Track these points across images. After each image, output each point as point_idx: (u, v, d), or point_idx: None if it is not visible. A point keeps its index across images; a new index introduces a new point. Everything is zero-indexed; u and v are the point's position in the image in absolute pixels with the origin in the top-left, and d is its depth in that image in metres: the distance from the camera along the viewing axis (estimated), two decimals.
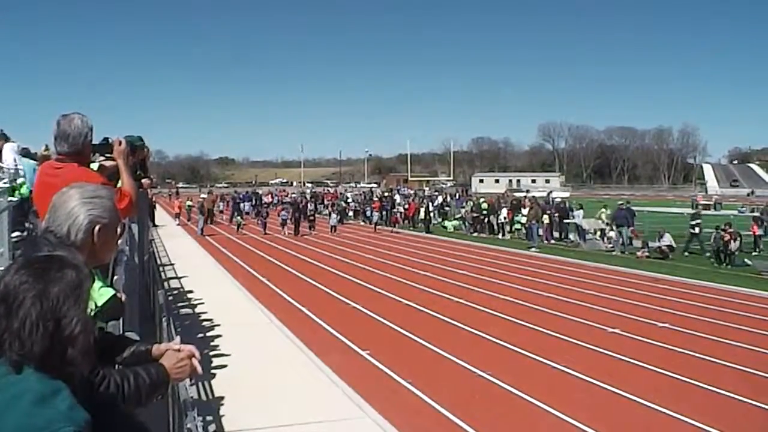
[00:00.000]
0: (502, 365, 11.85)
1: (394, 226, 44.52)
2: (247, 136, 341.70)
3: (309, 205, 45.00)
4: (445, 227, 44.67)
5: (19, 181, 11.79)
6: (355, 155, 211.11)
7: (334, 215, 45.96)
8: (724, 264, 25.70)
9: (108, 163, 5.05)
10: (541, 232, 34.75)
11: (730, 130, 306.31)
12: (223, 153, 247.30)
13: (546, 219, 35.85)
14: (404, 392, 10.47)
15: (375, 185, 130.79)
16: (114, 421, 2.50)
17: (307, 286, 20.85)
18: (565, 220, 36.71)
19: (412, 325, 14.88)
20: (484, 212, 40.84)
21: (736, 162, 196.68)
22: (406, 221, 47.38)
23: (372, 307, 17.01)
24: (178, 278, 21.81)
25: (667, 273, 23.52)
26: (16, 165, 12.39)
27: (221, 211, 54.70)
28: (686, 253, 28.83)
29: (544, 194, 50.21)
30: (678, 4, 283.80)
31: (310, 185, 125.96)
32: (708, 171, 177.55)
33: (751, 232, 30.42)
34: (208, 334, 14.06)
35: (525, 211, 35.79)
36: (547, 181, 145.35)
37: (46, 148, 11.47)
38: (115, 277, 5.86)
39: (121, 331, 5.03)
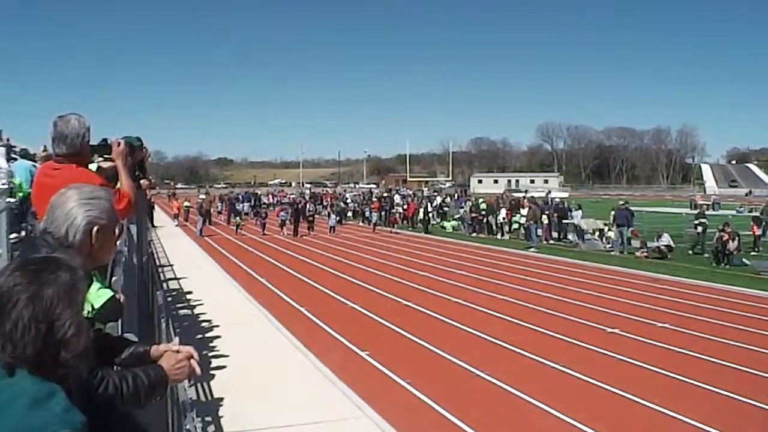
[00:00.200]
0: (500, 365, 11.85)
1: (393, 227, 44.52)
2: (246, 136, 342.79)
3: (308, 205, 44.96)
4: (444, 227, 44.68)
5: (17, 180, 11.78)
6: (354, 156, 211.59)
7: (333, 216, 45.96)
8: (723, 264, 25.69)
9: (106, 164, 5.05)
10: (540, 232, 34.76)
11: (728, 130, 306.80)
12: (222, 154, 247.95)
13: (545, 219, 35.86)
14: (403, 392, 10.46)
15: (374, 186, 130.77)
16: (113, 423, 2.50)
17: (306, 286, 20.84)
18: (564, 221, 36.72)
19: (411, 326, 14.88)
20: (483, 212, 40.82)
21: (734, 162, 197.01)
22: (405, 221, 47.38)
23: (371, 307, 17.00)
24: (177, 279, 21.80)
25: (665, 273, 23.52)
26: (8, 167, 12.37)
27: (219, 212, 54.67)
28: (690, 253, 28.73)
29: (543, 194, 50.20)
30: (677, 4, 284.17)
31: (309, 186, 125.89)
32: (706, 171, 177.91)
33: (750, 232, 30.43)
34: (207, 334, 14.06)
35: (524, 212, 35.81)
36: (546, 182, 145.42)
37: (45, 149, 11.45)
38: (114, 278, 5.85)
39: (119, 332, 5.03)
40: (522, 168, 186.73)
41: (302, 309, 16.88)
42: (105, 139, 4.97)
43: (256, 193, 65.18)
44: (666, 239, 28.67)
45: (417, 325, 15.10)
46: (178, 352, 2.86)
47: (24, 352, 1.85)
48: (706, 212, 34.25)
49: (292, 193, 71.93)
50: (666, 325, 15.09)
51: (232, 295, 19.20)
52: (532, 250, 31.31)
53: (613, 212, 35.37)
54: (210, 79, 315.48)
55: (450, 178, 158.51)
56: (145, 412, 2.94)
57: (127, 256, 9.42)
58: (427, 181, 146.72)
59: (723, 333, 14.34)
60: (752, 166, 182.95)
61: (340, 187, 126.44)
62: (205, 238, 37.29)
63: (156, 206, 50.55)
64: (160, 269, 22.81)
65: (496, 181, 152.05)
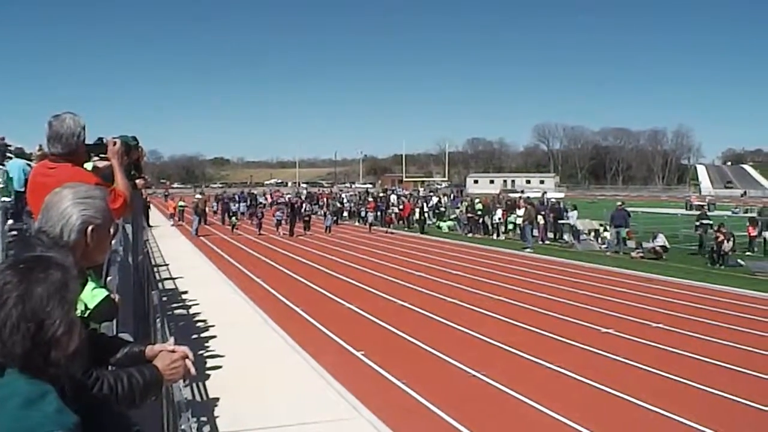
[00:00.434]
0: (496, 365, 11.86)
1: (389, 227, 44.51)
2: (242, 136, 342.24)
3: (304, 205, 44.93)
4: (440, 228, 44.72)
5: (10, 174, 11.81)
6: (350, 156, 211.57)
7: (329, 216, 45.96)
8: (718, 264, 25.74)
9: (102, 164, 5.04)
10: (535, 232, 34.81)
11: (724, 131, 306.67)
12: (218, 153, 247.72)
13: (540, 219, 35.91)
14: (399, 393, 10.47)
15: (370, 186, 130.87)
16: (107, 423, 2.49)
17: (301, 286, 20.84)
18: (560, 221, 36.77)
19: (406, 326, 14.88)
20: (479, 213, 40.84)
21: (729, 163, 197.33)
22: (401, 222, 47.38)
23: (367, 307, 17.00)
24: (173, 279, 21.78)
25: (660, 273, 23.56)
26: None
27: (215, 212, 54.59)
28: (696, 254, 28.61)
29: (539, 195, 50.26)
30: (672, 6, 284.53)
31: (305, 186, 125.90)
32: (702, 172, 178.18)
33: (745, 233, 30.48)
34: (202, 334, 14.05)
35: (520, 212, 35.84)
36: (542, 182, 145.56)
37: (40, 149, 11.47)
38: (109, 278, 5.85)
39: (114, 332, 5.02)
40: (518, 168, 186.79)
41: (298, 309, 16.88)
42: (100, 138, 4.96)
43: (253, 193, 64.97)
44: (661, 240, 28.73)
45: (413, 325, 15.11)
46: (173, 352, 2.86)
47: (13, 351, 1.84)
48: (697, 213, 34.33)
49: (288, 193, 71.88)
50: (660, 326, 15.12)
51: (228, 295, 19.19)
52: (528, 250, 31.33)
53: (609, 212, 35.56)
54: (206, 79, 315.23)
55: (446, 179, 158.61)
56: (140, 413, 2.94)
57: (123, 256, 9.42)
58: (423, 182, 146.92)
59: (717, 333, 14.37)
60: (747, 167, 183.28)
61: (336, 187, 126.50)
62: (201, 237, 37.27)
63: (152, 206, 50.50)
64: (155, 269, 22.78)
65: (492, 182, 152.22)
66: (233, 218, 44.06)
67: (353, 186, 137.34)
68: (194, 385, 9.72)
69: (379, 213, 47.66)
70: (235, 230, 41.39)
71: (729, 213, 48.29)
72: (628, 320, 15.70)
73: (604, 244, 32.35)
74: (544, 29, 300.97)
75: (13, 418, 1.75)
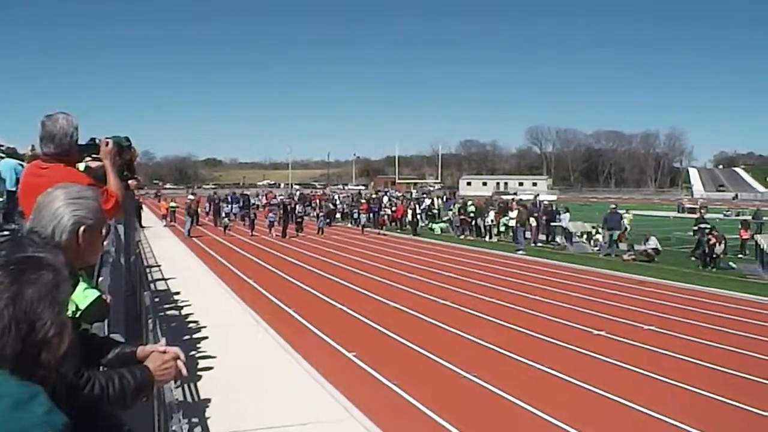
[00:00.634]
0: (488, 367, 11.86)
1: (382, 228, 44.50)
2: (235, 137, 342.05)
3: (297, 207, 44.91)
4: (433, 230, 44.71)
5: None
6: (343, 157, 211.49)
7: (321, 217, 45.97)
8: (709, 267, 25.80)
9: (95, 164, 5.04)
10: (528, 234, 34.86)
11: (716, 134, 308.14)
12: (210, 154, 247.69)
13: (533, 222, 35.95)
14: (390, 394, 10.47)
15: (363, 187, 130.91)
16: (98, 424, 2.49)
17: (293, 287, 20.83)
18: (552, 223, 36.83)
19: (398, 327, 14.89)
20: (472, 215, 40.87)
21: (721, 166, 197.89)
22: (394, 223, 47.39)
23: (358, 309, 17.01)
24: (165, 280, 21.74)
25: (652, 276, 23.61)
26: None
27: (207, 213, 54.49)
28: (693, 259, 28.61)
29: (532, 197, 50.33)
30: (665, 9, 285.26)
31: (297, 187, 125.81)
32: (694, 175, 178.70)
33: (737, 236, 30.57)
34: (194, 335, 14.03)
35: (512, 214, 35.90)
36: (535, 184, 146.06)
37: (33, 149, 11.45)
38: (101, 279, 5.84)
39: (106, 333, 5.02)
40: (511, 170, 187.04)
41: (290, 310, 16.87)
42: (93, 139, 4.95)
43: (246, 194, 64.78)
44: (653, 242, 28.81)
45: (405, 326, 15.11)
46: (164, 352, 2.86)
47: (3, 353, 1.82)
48: (690, 216, 34.50)
49: (281, 194, 71.78)
50: (652, 328, 15.15)
51: (220, 296, 19.16)
52: (520, 252, 31.37)
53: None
54: (200, 80, 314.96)
55: (439, 181, 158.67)
56: (131, 414, 2.94)
57: (115, 257, 9.41)
58: (415, 183, 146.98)
59: (709, 336, 14.40)
60: (739, 170, 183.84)
61: (329, 188, 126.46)
62: (193, 238, 37.20)
63: (144, 206, 50.39)
64: (147, 270, 22.75)
65: (485, 184, 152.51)
66: (226, 219, 43.97)
67: (346, 187, 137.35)
68: (186, 386, 9.71)
69: (371, 214, 47.69)
70: (227, 231, 41.34)
71: (721, 216, 48.49)
72: (619, 322, 15.73)
73: (596, 246, 32.43)
74: (537, 31, 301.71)
75: (3, 420, 1.74)
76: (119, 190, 4.77)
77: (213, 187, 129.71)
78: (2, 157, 14.46)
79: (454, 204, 48.60)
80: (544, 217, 37.30)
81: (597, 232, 33.41)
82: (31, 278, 1.89)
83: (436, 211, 49.44)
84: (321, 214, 48.83)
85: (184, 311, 16.69)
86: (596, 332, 14.71)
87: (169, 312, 16.58)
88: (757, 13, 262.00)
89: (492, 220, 38.94)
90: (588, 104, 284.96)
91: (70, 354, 2.03)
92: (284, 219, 40.83)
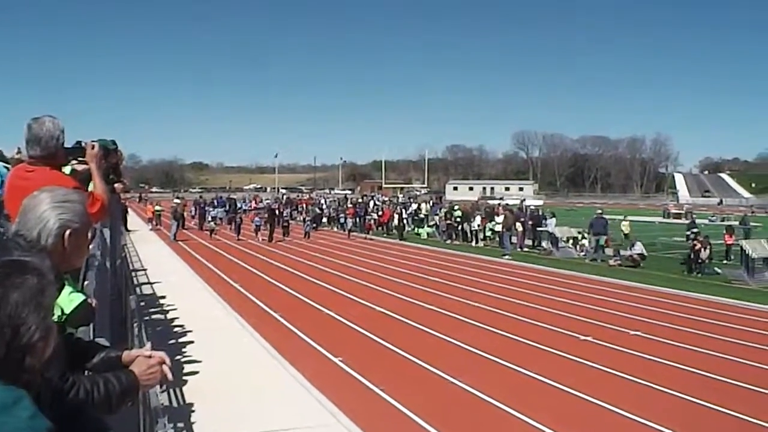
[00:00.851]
0: (474, 372, 11.86)
1: (368, 233, 44.50)
2: (221, 141, 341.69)
3: (283, 211, 44.84)
4: (419, 234, 44.75)
5: None
6: (329, 161, 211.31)
7: (308, 221, 45.94)
8: (695, 272, 25.89)
9: (80, 167, 5.02)
10: (514, 239, 34.89)
11: (701, 140, 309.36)
12: (197, 158, 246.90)
13: (519, 227, 35.99)
14: (377, 399, 10.45)
15: (349, 192, 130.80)
16: (83, 428, 2.48)
17: (280, 292, 20.80)
18: (539, 228, 36.89)
19: (385, 332, 14.88)
20: (458, 220, 40.89)
21: (707, 172, 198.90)
22: (380, 228, 47.38)
23: (345, 313, 16.99)
24: (151, 284, 21.66)
25: (638, 281, 23.68)
26: None
27: (193, 217, 54.38)
28: (683, 266, 28.65)
29: (518, 202, 50.40)
30: (651, 16, 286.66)
31: (284, 191, 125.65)
32: (679, 180, 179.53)
33: (722, 241, 30.71)
34: (180, 340, 13.98)
35: (499, 219, 35.94)
36: (521, 189, 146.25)
37: (19, 152, 11.38)
38: (86, 282, 5.81)
39: (91, 337, 4.99)
40: (497, 175, 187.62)
41: (276, 315, 16.84)
42: (79, 142, 4.94)
43: (232, 198, 64.60)
44: (639, 248, 28.88)
45: (391, 331, 15.11)
46: (150, 357, 2.85)
47: None
48: (675, 222, 34.66)
49: (268, 199, 71.67)
50: (638, 333, 15.19)
51: (206, 300, 19.10)
52: (507, 257, 31.39)
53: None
54: (187, 83, 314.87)
55: (426, 185, 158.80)
56: (116, 418, 2.92)
57: (100, 260, 9.35)
58: (402, 188, 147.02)
59: (695, 341, 14.46)
60: (725, 176, 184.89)
61: (316, 192, 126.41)
62: (179, 242, 37.09)
63: (130, 210, 50.23)
64: (133, 274, 22.68)
65: (471, 188, 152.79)
66: (212, 223, 43.84)
67: (332, 192, 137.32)
68: (171, 390, 9.66)
69: (358, 219, 47.69)
70: (213, 235, 41.25)
71: (706, 221, 48.74)
72: (606, 327, 15.77)
73: (582, 251, 32.50)
74: (525, 36, 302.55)
75: None
76: (105, 193, 4.75)
77: (199, 190, 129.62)
78: None
79: (440, 209, 48.63)
80: (530, 222, 37.38)
81: (583, 237, 33.49)
82: (16, 282, 1.88)
83: (423, 216, 49.42)
84: (307, 218, 48.74)
85: (169, 315, 16.63)
86: (582, 337, 14.74)
87: (154, 316, 16.53)
88: (743, 18, 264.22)
89: (478, 225, 38.99)
90: (574, 109, 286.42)
91: (55, 358, 2.02)
92: (271, 223, 40.77)
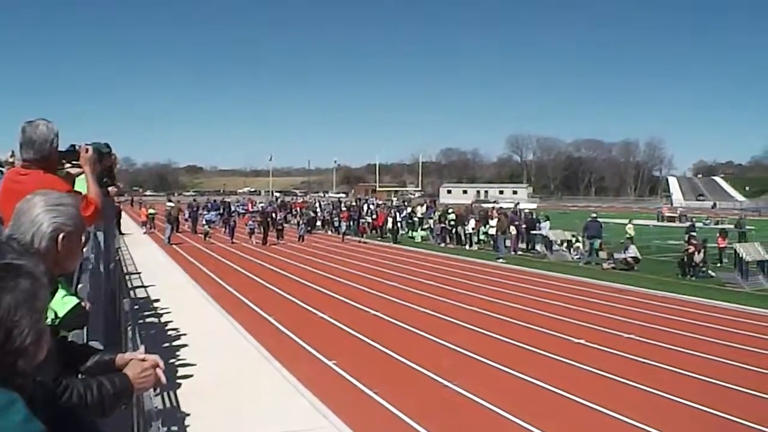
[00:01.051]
0: (468, 375, 11.88)
1: (362, 236, 44.49)
2: (215, 144, 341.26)
3: (278, 214, 44.78)
4: (413, 238, 44.75)
5: None
6: (324, 165, 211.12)
7: (302, 225, 45.92)
8: (689, 275, 25.95)
9: (74, 171, 5.02)
10: (508, 243, 34.92)
11: (695, 143, 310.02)
12: (191, 161, 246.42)
13: (513, 230, 36.02)
14: (370, 402, 10.46)
15: (343, 195, 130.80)
16: (75, 431, 2.48)
17: (273, 295, 20.79)
18: (533, 231, 36.92)
19: (378, 335, 14.89)
20: (452, 223, 40.91)
21: (701, 175, 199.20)
22: (374, 231, 47.38)
23: (339, 316, 16.99)
24: (144, 287, 21.64)
25: (632, 284, 23.73)
26: None
27: (186, 220, 54.29)
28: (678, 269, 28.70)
29: (512, 205, 50.45)
30: (644, 19, 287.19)
31: (278, 194, 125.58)
32: (673, 184, 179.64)
33: (715, 244, 30.76)
34: (173, 343, 13.97)
35: (493, 222, 35.97)
36: (515, 193, 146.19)
37: (12, 155, 11.38)
38: (80, 286, 5.81)
39: (85, 340, 4.98)
40: (491, 179, 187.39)
41: (270, 318, 16.83)
42: (73, 145, 4.93)
43: (226, 201, 64.55)
44: (633, 251, 28.93)
45: (385, 334, 15.12)
46: (143, 360, 2.84)
47: None
48: (669, 225, 34.67)
49: (262, 202, 71.61)
50: (632, 336, 15.22)
51: (200, 303, 19.09)
52: (501, 260, 31.43)
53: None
54: (180, 87, 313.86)
55: (420, 188, 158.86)
56: (110, 422, 2.92)
57: (94, 263, 9.35)
58: (396, 191, 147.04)
59: (688, 344, 14.49)
60: (719, 179, 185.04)
61: (310, 196, 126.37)
62: (174, 246, 37.05)
63: (124, 213, 50.14)
64: (127, 277, 22.66)
65: (465, 192, 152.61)
66: (206, 227, 43.77)
67: (327, 195, 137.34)
68: (165, 394, 9.66)
69: (352, 222, 47.69)
70: (207, 238, 41.22)
71: (700, 224, 48.80)
72: (599, 331, 15.80)
73: (576, 254, 32.54)
74: (518, 40, 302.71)
75: None
76: (98, 196, 4.74)
77: (193, 194, 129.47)
78: None
79: (434, 212, 48.65)
80: (524, 226, 37.42)
81: (577, 241, 33.53)
82: (9, 285, 1.88)
83: (417, 219, 49.43)
84: (302, 221, 48.72)
85: (163, 319, 16.62)
86: (576, 340, 14.76)
87: (148, 319, 16.51)
88: (736, 23, 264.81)
89: (472, 228, 39.00)
90: (568, 113, 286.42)
91: (48, 361, 2.02)
92: (265, 227, 40.75)
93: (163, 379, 2.88)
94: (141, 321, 15.40)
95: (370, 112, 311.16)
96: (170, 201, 51.34)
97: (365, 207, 57.71)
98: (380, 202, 76.36)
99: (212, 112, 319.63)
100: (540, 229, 36.44)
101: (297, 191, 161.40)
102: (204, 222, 45.74)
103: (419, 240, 43.61)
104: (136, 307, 16.70)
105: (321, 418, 9.65)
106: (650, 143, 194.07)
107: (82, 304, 3.81)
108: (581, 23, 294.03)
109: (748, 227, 40.12)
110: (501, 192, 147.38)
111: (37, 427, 1.81)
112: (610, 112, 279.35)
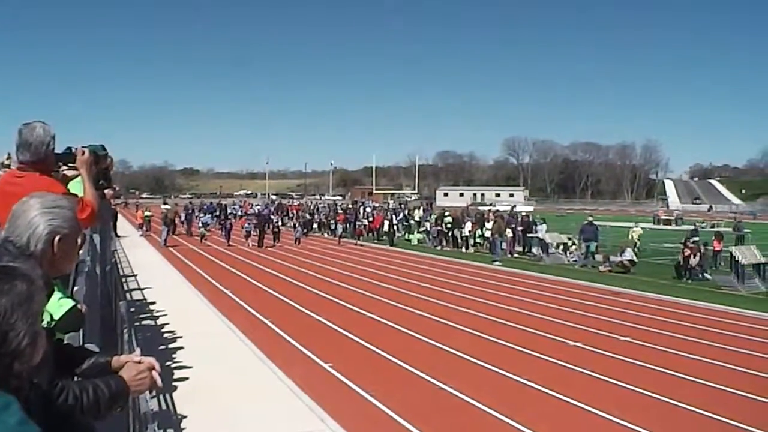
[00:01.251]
0: (464, 378, 11.87)
1: (358, 239, 44.50)
2: (212, 147, 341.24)
3: (274, 216, 44.75)
4: (409, 240, 44.73)
5: None
6: (320, 167, 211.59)
7: (298, 227, 45.90)
8: (685, 279, 25.96)
9: (71, 173, 5.02)
10: (504, 245, 34.92)
11: (691, 146, 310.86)
12: (187, 164, 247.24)
13: (509, 233, 36.03)
14: (366, 404, 10.45)
15: (340, 197, 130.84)
16: None
17: (270, 297, 20.77)
18: (529, 234, 36.94)
19: (374, 338, 14.88)
20: (449, 226, 40.91)
21: (697, 178, 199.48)
22: (371, 234, 47.37)
23: (335, 319, 16.98)
24: (141, 289, 21.60)
25: (628, 287, 23.75)
26: None
27: (182, 222, 54.26)
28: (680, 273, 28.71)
29: (508, 208, 50.48)
30: (640, 22, 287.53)
31: (274, 197, 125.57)
32: (669, 187, 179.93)
33: (711, 247, 30.76)
34: (170, 345, 13.94)
35: (489, 225, 35.99)
36: (512, 195, 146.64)
37: (8, 157, 11.37)
38: (76, 288, 5.80)
39: (81, 343, 4.98)
40: (488, 181, 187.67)
41: (266, 320, 16.81)
42: (69, 148, 4.94)
43: (222, 204, 64.51)
44: (629, 254, 28.96)
45: (381, 337, 15.11)
46: (139, 363, 2.85)
47: None
48: (665, 228, 34.62)
49: (258, 204, 71.56)
50: (628, 339, 15.23)
51: (196, 305, 19.07)
52: (497, 263, 31.44)
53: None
54: (177, 89, 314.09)
55: (416, 191, 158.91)
56: (105, 424, 2.92)
57: (90, 266, 9.34)
58: (393, 194, 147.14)
59: (684, 347, 14.49)
60: (714, 182, 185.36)
61: (306, 198, 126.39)
62: (170, 248, 37.00)
63: (120, 215, 50.09)
64: (123, 279, 22.63)
65: (461, 195, 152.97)
66: (203, 229, 43.73)
67: (323, 198, 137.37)
68: (161, 396, 9.64)
69: (348, 225, 47.70)
70: (204, 241, 41.20)
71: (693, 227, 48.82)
72: (595, 333, 15.80)
73: (572, 257, 32.55)
74: (515, 43, 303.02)
75: None
76: (95, 199, 4.74)
77: (189, 196, 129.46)
78: None
79: (431, 215, 48.67)
80: (520, 229, 37.45)
81: (573, 244, 33.55)
82: (5, 288, 1.88)
83: (414, 222, 49.42)
84: (298, 224, 48.70)
85: (159, 321, 16.59)
86: (572, 343, 14.76)
87: (144, 322, 16.48)
88: (733, 26, 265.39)
89: (469, 231, 39.01)
90: (564, 116, 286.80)
91: (44, 364, 2.02)
92: (261, 229, 40.73)
93: (159, 381, 2.88)
94: (137, 323, 15.38)
95: (367, 114, 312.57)
96: (166, 204, 51.22)
97: (363, 210, 57.65)
98: (377, 205, 76.32)
99: (209, 115, 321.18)
100: (537, 232, 36.46)
101: (293, 194, 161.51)
102: (200, 224, 45.70)
103: (416, 243, 43.57)
104: (133, 309, 16.67)
105: (317, 420, 9.64)
106: (646, 146, 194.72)
107: (78, 306, 3.80)
108: (578, 26, 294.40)
109: (745, 230, 40.11)
110: (497, 195, 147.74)
111: (32, 429, 1.81)
112: (606, 115, 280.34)
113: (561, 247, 34.11)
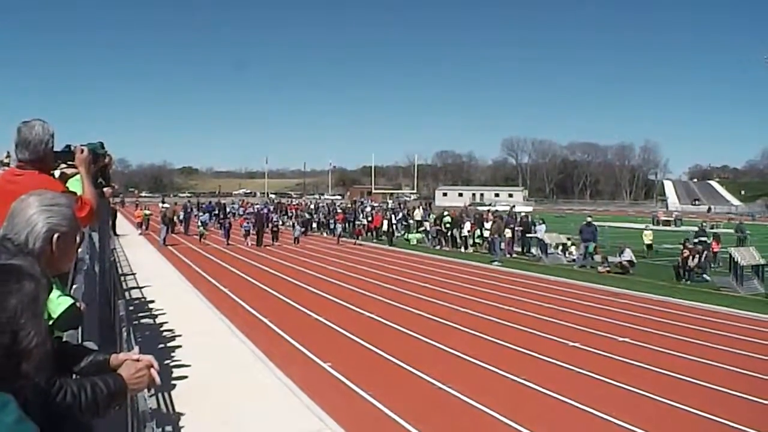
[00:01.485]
0: (462, 378, 11.87)
1: (358, 238, 44.49)
2: (211, 146, 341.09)
3: (273, 216, 44.71)
4: (409, 240, 44.70)
5: None
6: (319, 167, 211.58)
7: (297, 226, 45.88)
8: (684, 280, 25.96)
9: (70, 171, 5.01)
10: (503, 246, 34.92)
11: (691, 147, 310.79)
12: (186, 163, 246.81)
13: (508, 233, 36.03)
14: (365, 404, 10.44)
15: (339, 197, 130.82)
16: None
17: (269, 297, 20.76)
18: (528, 235, 36.93)
19: (373, 338, 14.87)
20: (448, 226, 40.91)
21: (696, 179, 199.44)
22: (370, 233, 47.37)
23: (334, 318, 16.97)
24: (140, 288, 21.60)
25: (627, 288, 23.74)
26: None
27: (181, 221, 54.21)
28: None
29: (507, 208, 50.47)
30: (639, 23, 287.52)
31: (273, 196, 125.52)
32: (669, 187, 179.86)
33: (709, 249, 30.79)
34: (168, 344, 13.94)
35: (488, 225, 35.99)
36: (510, 196, 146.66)
37: (8, 155, 11.35)
38: (75, 286, 5.80)
39: (79, 341, 4.97)
40: (487, 182, 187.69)
41: (265, 319, 16.81)
42: (68, 146, 4.92)
43: (221, 203, 64.46)
44: (628, 255, 28.94)
45: (380, 337, 15.10)
46: (138, 361, 2.84)
47: None
48: (664, 229, 34.63)
49: (257, 204, 71.54)
50: (627, 340, 15.23)
51: (195, 304, 19.06)
52: (496, 263, 31.44)
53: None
54: (176, 88, 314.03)
55: (415, 191, 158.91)
56: (104, 422, 2.92)
57: (89, 264, 9.34)
58: (392, 194, 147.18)
59: (683, 348, 14.49)
60: (714, 183, 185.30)
61: (305, 197, 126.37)
62: (169, 247, 36.99)
63: (119, 214, 50.04)
64: (122, 278, 22.62)
65: (460, 195, 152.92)
66: (202, 228, 43.70)
67: (322, 197, 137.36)
68: (159, 395, 9.64)
69: (347, 224, 47.69)
70: (203, 240, 41.19)
71: (695, 228, 48.81)
72: (594, 334, 15.80)
73: (571, 257, 32.54)
74: (514, 44, 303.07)
75: None
76: (93, 197, 4.74)
77: (188, 195, 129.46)
78: None
79: (429, 215, 48.67)
80: (519, 229, 37.45)
81: (572, 244, 33.55)
82: (14, 288, 1.87)
83: (414, 222, 49.41)
84: (297, 223, 48.68)
85: (158, 320, 16.59)
86: (571, 344, 14.76)
87: (143, 320, 16.48)
88: (733, 26, 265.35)
89: (468, 231, 39.00)
90: (563, 116, 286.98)
91: (44, 362, 2.01)
92: (260, 228, 40.71)
93: (158, 379, 2.87)
94: (136, 322, 15.38)
95: (366, 114, 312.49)
96: (164, 203, 51.19)
97: (363, 209, 57.60)
98: (376, 204, 76.30)
99: (208, 114, 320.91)
100: (536, 233, 36.47)
101: (292, 193, 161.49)
102: (199, 223, 45.69)
103: (415, 242, 43.54)
104: (131, 308, 16.67)
105: (315, 419, 9.64)
106: (646, 147, 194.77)
107: (77, 304, 3.80)
108: (577, 26, 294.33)
109: (747, 232, 40.10)
110: (497, 195, 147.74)
111: (29, 427, 1.81)
112: (605, 115, 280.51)
113: (560, 247, 34.12)
